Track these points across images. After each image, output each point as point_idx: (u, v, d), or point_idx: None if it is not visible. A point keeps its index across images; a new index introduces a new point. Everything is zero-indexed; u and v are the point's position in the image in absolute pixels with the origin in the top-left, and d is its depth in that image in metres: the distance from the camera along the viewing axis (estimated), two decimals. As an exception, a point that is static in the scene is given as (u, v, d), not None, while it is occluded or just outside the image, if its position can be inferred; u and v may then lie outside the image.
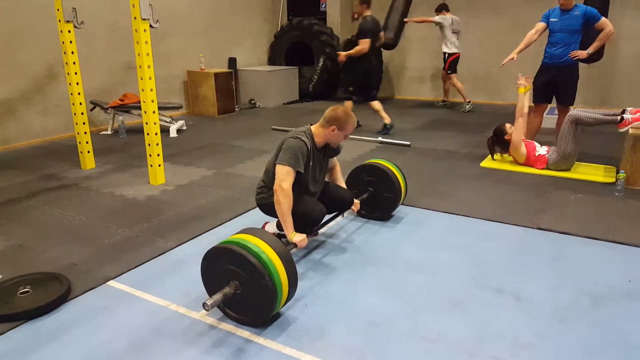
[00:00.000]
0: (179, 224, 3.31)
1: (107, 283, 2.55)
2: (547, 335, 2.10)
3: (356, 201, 3.00)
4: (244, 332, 2.13)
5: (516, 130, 4.43)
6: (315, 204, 2.70)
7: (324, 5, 9.14)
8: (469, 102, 7.57)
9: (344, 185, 3.06)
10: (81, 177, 4.37)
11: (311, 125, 2.74)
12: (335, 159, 3.02)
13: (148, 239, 3.08)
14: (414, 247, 2.96)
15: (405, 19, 7.51)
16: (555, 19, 4.62)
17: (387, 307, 2.32)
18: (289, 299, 2.17)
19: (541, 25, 4.71)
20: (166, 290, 2.48)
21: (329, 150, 2.84)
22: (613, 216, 3.38)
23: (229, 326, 2.17)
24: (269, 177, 2.72)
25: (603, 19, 4.48)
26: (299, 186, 2.62)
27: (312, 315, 2.26)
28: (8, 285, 2.42)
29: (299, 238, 2.50)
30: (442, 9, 7.50)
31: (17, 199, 3.83)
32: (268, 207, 2.76)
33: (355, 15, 5.64)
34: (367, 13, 5.78)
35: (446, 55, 7.53)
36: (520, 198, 3.75)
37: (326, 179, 2.99)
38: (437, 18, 7.40)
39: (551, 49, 4.69)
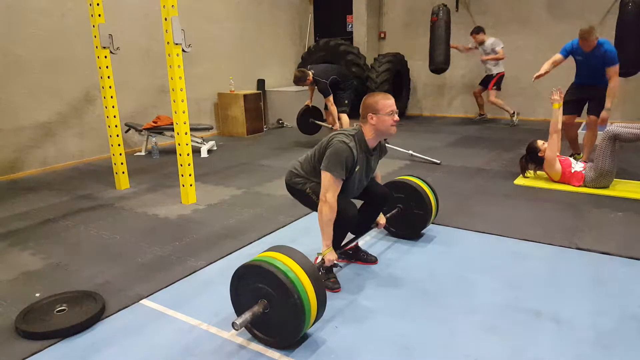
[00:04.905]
0: (210, 243, 3.34)
1: (140, 302, 2.59)
2: (591, 361, 2.00)
3: (383, 217, 2.93)
4: (274, 353, 2.11)
5: (550, 147, 4.32)
6: (348, 204, 2.55)
7: (350, 26, 9.24)
8: (514, 112, 7.63)
9: None
10: (116, 197, 4.48)
11: (361, 124, 2.58)
12: (377, 169, 2.87)
13: (179, 258, 3.12)
14: (446, 268, 2.89)
15: (456, 46, 7.75)
16: (580, 57, 4.68)
17: (420, 330, 2.26)
18: (317, 318, 2.14)
19: (558, 57, 4.75)
20: (197, 309, 2.49)
21: (381, 151, 2.74)
22: (657, 235, 3.23)
23: (258, 347, 2.16)
24: (307, 168, 2.66)
25: (614, 68, 4.49)
26: (343, 187, 2.53)
27: (342, 338, 2.22)
28: (45, 304, 2.48)
29: (331, 256, 2.47)
30: (480, 31, 7.57)
31: (54, 218, 3.95)
32: (295, 192, 2.74)
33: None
34: (309, 79, 5.98)
35: (494, 74, 7.58)
36: (557, 217, 3.63)
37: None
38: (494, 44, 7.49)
39: (579, 77, 4.82)
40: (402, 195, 3.24)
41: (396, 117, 2.51)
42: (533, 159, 4.51)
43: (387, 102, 2.48)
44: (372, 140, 2.56)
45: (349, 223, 2.58)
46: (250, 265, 2.13)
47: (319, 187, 2.51)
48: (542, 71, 4.73)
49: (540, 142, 4.49)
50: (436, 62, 7.55)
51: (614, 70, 4.50)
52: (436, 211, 3.29)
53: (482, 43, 7.53)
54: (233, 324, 1.99)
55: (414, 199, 3.20)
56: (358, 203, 2.82)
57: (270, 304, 2.08)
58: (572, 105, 4.84)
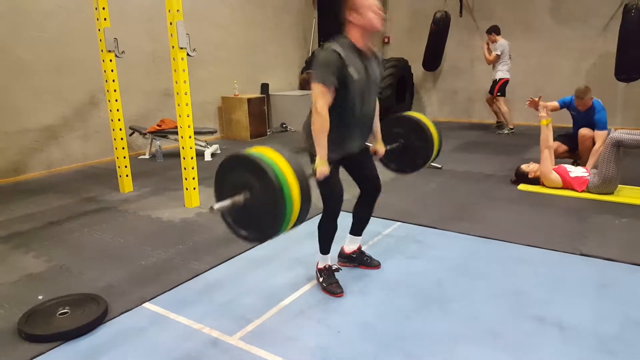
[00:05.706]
0: (213, 246, 3.34)
1: (143, 305, 2.59)
2: (595, 368, 1.99)
3: (382, 147, 2.78)
4: (276, 358, 2.10)
5: (543, 163, 4.36)
6: (337, 182, 2.49)
7: (354, 31, 9.25)
8: (512, 128, 7.44)
9: (379, 128, 2.76)
10: (119, 200, 4.49)
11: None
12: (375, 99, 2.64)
13: (182, 261, 3.12)
14: (449, 273, 2.89)
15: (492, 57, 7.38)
16: (575, 113, 4.86)
17: (422, 337, 2.25)
18: (301, 217, 1.99)
19: (555, 104, 4.88)
20: (200, 313, 2.49)
21: (377, 59, 2.53)
22: (661, 242, 3.21)
23: (261, 351, 2.15)
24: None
25: (602, 133, 4.58)
26: (344, 104, 2.35)
27: (345, 344, 2.22)
28: (48, 306, 2.49)
29: (324, 168, 2.31)
30: (492, 31, 7.26)
31: (57, 221, 3.96)
32: (309, 143, 2.49)
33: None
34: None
35: (497, 79, 7.33)
36: (560, 222, 3.63)
37: None
38: (498, 48, 7.21)
39: (576, 128, 4.92)
40: (401, 130, 2.99)
41: (379, 12, 2.33)
42: (527, 181, 4.54)
43: None
44: (361, 41, 2.39)
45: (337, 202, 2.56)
46: (228, 158, 2.04)
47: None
48: (537, 99, 4.76)
49: (524, 166, 4.57)
50: (427, 64, 8.45)
51: (601, 135, 4.58)
52: (439, 146, 3.01)
53: (494, 43, 7.28)
54: (210, 208, 1.91)
55: (414, 131, 2.95)
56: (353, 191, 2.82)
57: (251, 194, 1.95)
58: (563, 138, 5.03)
